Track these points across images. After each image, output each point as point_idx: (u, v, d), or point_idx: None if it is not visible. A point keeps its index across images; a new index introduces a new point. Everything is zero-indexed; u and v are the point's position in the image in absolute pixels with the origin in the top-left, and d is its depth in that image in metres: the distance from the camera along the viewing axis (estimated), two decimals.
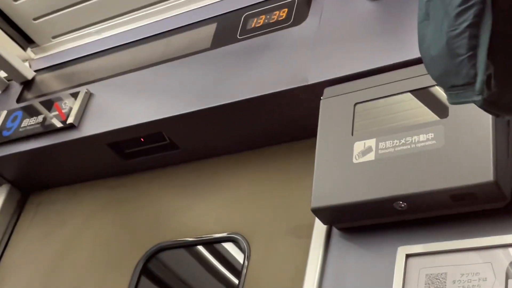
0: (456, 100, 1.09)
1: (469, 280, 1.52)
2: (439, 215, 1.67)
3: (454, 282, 1.54)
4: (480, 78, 1.04)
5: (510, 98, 1.10)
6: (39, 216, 2.68)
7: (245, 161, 2.28)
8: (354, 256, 1.75)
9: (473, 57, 1.04)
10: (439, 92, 1.74)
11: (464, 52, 1.05)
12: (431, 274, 1.58)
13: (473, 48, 1.04)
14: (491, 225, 1.59)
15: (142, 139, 2.37)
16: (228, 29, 2.33)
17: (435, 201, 1.63)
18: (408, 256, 1.63)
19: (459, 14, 1.05)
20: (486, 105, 1.09)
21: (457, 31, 1.05)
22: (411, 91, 1.78)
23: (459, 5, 1.05)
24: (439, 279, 1.56)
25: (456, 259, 1.57)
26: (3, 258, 2.62)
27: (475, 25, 1.04)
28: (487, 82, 1.06)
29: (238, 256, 2.14)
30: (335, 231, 1.83)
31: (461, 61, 1.05)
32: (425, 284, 1.57)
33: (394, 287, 1.59)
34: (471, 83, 1.05)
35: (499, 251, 1.53)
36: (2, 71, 2.78)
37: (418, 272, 1.60)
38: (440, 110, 1.71)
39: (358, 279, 1.71)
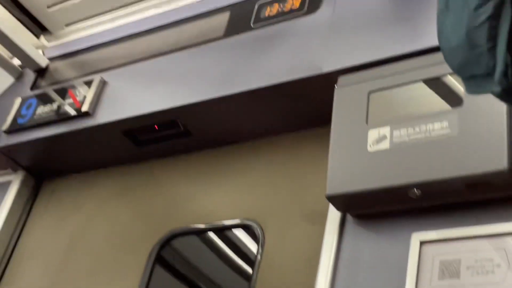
0: (475, 90, 1.11)
1: (483, 266, 1.55)
2: (453, 202, 1.69)
3: (468, 268, 1.56)
4: (499, 68, 1.05)
5: None
6: (53, 203, 2.71)
7: (259, 149, 2.30)
8: (368, 243, 1.78)
9: (492, 48, 1.06)
10: (453, 81, 1.75)
11: (483, 43, 1.06)
12: (445, 261, 1.60)
13: (493, 39, 1.06)
14: (504, 212, 1.61)
15: (156, 127, 2.39)
16: (241, 18, 2.34)
17: (449, 189, 1.65)
18: (422, 243, 1.66)
19: (479, 6, 1.07)
20: (504, 95, 1.11)
21: (477, 22, 1.07)
22: (425, 80, 1.80)
23: None
24: (453, 266, 1.58)
25: (470, 246, 1.59)
26: (18, 244, 2.65)
27: (494, 17, 1.06)
28: (505, 71, 1.07)
29: (252, 243, 2.16)
30: (349, 217, 1.85)
31: (480, 52, 1.07)
32: (440, 270, 1.59)
33: (408, 274, 1.62)
34: (490, 74, 1.07)
35: None
36: (16, 59, 2.81)
37: (432, 259, 1.62)
38: (454, 99, 1.72)
39: (373, 266, 1.73)
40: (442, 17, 1.16)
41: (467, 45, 1.08)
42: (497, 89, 1.06)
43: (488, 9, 1.06)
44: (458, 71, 1.13)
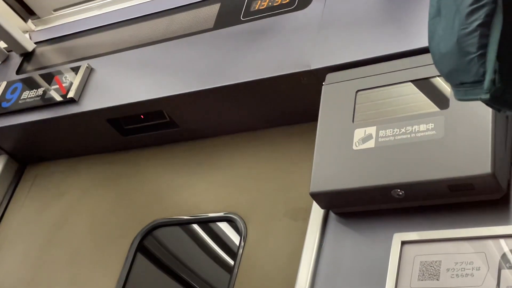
0: (463, 97, 1.11)
1: (463, 269, 1.56)
2: (436, 204, 1.70)
3: (448, 270, 1.58)
4: (488, 77, 1.06)
5: None
6: (36, 188, 2.69)
7: (245, 142, 2.30)
8: (350, 241, 1.79)
9: (482, 56, 1.06)
10: (441, 83, 1.76)
11: (474, 50, 1.07)
12: (425, 262, 1.61)
13: (483, 47, 1.06)
14: (486, 216, 1.63)
15: (142, 116, 2.39)
16: (231, 10, 2.33)
17: (432, 191, 1.66)
18: (403, 243, 1.67)
19: (470, 13, 1.07)
20: (492, 102, 1.11)
21: (468, 29, 1.07)
22: (413, 81, 1.81)
23: (471, 4, 1.07)
24: (433, 267, 1.60)
25: (451, 248, 1.61)
26: None
27: (486, 25, 1.06)
28: (494, 79, 1.08)
29: (235, 236, 2.17)
30: (332, 215, 1.86)
31: (471, 60, 1.07)
32: (419, 271, 1.60)
33: (389, 273, 1.63)
34: (479, 81, 1.07)
35: (493, 242, 1.57)
36: (2, 42, 2.78)
37: (413, 259, 1.63)
38: (441, 101, 1.73)
39: (354, 264, 1.74)
40: (433, 22, 1.16)
41: (458, 52, 1.09)
42: (486, 97, 1.07)
43: (480, 17, 1.07)
44: (447, 77, 1.14)
